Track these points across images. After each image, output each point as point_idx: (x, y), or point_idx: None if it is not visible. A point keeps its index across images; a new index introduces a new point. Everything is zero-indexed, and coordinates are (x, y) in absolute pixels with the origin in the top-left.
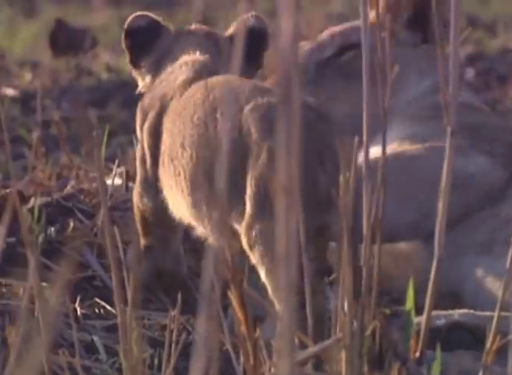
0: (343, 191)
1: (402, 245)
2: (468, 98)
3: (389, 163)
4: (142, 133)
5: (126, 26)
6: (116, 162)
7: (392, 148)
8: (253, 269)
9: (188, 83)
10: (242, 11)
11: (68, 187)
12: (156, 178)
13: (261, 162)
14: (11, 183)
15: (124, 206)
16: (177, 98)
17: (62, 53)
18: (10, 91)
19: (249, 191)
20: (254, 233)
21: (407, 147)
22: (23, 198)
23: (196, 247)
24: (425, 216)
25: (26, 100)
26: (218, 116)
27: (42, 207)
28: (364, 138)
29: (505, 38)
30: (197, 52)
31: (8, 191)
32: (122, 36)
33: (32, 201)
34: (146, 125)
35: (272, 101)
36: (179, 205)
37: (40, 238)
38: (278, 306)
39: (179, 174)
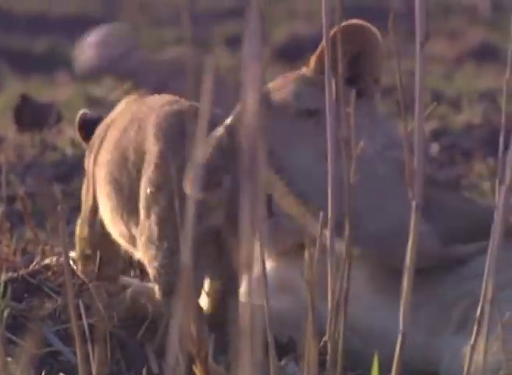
0: (307, 266)
1: (373, 321)
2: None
3: None
4: (88, 164)
5: (77, 119)
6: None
7: None
8: (218, 344)
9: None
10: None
11: (34, 263)
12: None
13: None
14: None
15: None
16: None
17: (26, 128)
18: None
19: None
20: None
21: None
22: None
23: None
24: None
25: None
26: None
27: (7, 282)
28: (329, 214)
29: (469, 114)
30: None
31: None
32: (77, 129)
33: None
34: (91, 155)
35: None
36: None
37: (5, 313)
38: None
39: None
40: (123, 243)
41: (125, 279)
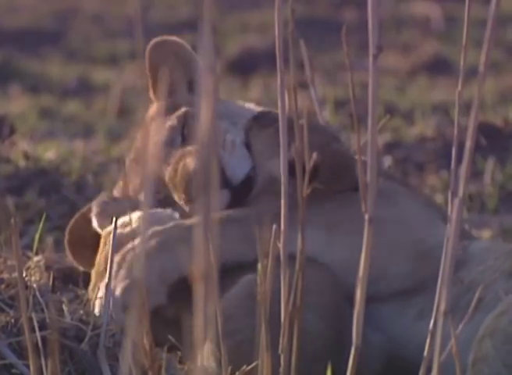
0: (260, 279)
1: None
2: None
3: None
4: None
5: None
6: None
7: None
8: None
9: None
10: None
11: None
12: None
13: None
14: None
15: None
16: None
17: None
18: None
19: None
20: None
21: None
22: None
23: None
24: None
25: None
26: None
27: None
28: (282, 226)
29: (422, 126)
30: None
31: None
32: None
33: None
34: None
35: None
36: None
37: None
38: None
39: None
40: None
41: None
